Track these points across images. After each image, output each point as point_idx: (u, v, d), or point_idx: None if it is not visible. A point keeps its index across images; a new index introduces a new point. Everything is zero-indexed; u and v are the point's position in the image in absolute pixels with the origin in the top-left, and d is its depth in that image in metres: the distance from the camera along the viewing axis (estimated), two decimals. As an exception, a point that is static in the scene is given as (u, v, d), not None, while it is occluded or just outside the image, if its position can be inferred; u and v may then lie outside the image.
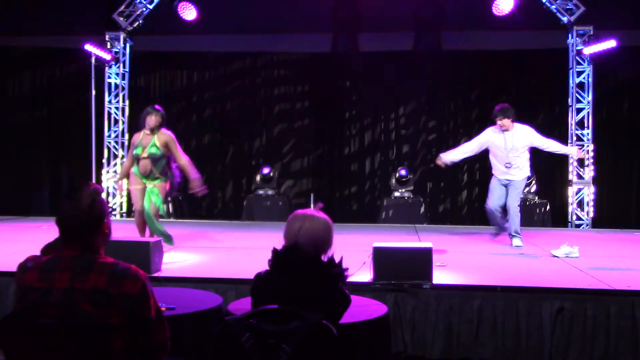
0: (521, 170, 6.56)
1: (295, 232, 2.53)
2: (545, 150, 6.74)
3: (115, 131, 10.40)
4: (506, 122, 6.46)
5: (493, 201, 6.63)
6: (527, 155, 6.61)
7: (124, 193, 10.29)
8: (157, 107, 6.03)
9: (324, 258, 2.56)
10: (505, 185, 6.60)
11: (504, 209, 6.61)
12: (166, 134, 5.94)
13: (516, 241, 6.60)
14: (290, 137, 11.64)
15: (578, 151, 7.15)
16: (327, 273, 2.47)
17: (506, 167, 6.53)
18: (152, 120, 5.88)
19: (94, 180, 9.31)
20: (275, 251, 2.54)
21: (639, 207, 10.87)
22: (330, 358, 2.19)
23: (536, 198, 10.08)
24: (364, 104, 11.56)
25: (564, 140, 10.10)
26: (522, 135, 6.54)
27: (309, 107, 11.63)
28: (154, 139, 5.87)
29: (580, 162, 9.76)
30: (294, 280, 2.43)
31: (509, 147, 6.50)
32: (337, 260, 2.56)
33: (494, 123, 6.61)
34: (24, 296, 2.11)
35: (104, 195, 2.31)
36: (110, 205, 10.00)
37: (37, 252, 2.34)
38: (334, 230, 2.66)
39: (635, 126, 10.80)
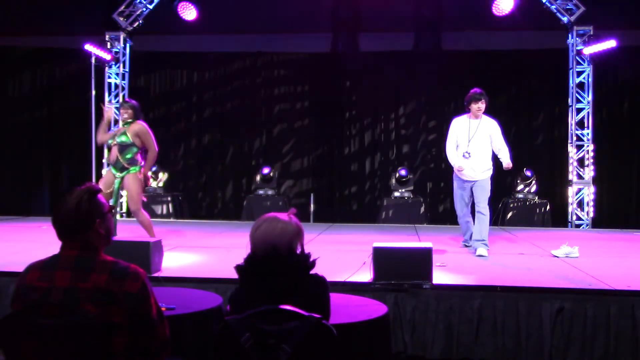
0: (487, 167, 6.20)
1: (252, 235, 2.54)
2: (492, 149, 6.32)
3: (115, 131, 10.39)
4: (485, 105, 6.17)
5: (460, 209, 6.33)
6: (489, 148, 6.23)
7: (124, 193, 10.32)
8: (128, 100, 6.33)
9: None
10: (468, 186, 6.25)
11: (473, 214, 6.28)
12: (139, 124, 6.20)
13: (481, 250, 5.94)
14: (290, 137, 11.64)
15: (508, 164, 6.21)
16: (293, 264, 2.47)
17: (465, 156, 6.15)
18: (123, 113, 6.21)
19: (93, 180, 9.30)
20: (237, 267, 2.53)
21: (639, 207, 10.88)
22: (330, 358, 2.19)
23: (536, 198, 10.07)
24: (364, 104, 11.56)
25: (564, 140, 10.14)
26: (488, 125, 6.24)
27: (309, 107, 11.64)
28: (126, 129, 6.16)
29: (580, 162, 9.76)
30: (265, 283, 2.43)
31: (471, 134, 6.18)
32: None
33: (467, 111, 6.27)
34: (25, 295, 2.11)
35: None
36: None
37: (37, 252, 2.34)
38: (299, 234, 2.55)
39: (635, 126, 10.80)
